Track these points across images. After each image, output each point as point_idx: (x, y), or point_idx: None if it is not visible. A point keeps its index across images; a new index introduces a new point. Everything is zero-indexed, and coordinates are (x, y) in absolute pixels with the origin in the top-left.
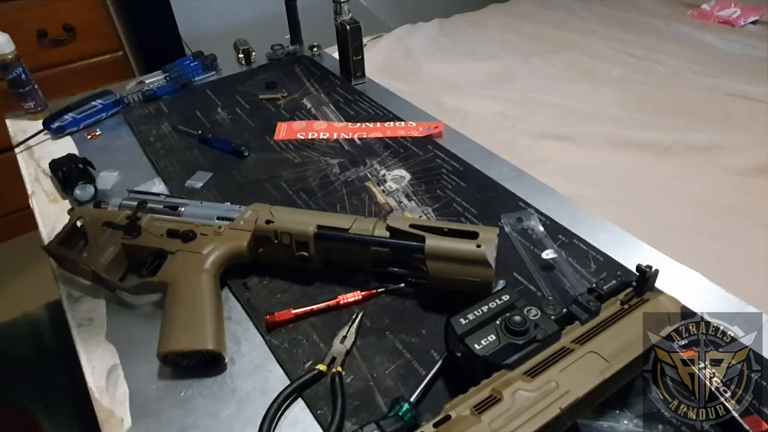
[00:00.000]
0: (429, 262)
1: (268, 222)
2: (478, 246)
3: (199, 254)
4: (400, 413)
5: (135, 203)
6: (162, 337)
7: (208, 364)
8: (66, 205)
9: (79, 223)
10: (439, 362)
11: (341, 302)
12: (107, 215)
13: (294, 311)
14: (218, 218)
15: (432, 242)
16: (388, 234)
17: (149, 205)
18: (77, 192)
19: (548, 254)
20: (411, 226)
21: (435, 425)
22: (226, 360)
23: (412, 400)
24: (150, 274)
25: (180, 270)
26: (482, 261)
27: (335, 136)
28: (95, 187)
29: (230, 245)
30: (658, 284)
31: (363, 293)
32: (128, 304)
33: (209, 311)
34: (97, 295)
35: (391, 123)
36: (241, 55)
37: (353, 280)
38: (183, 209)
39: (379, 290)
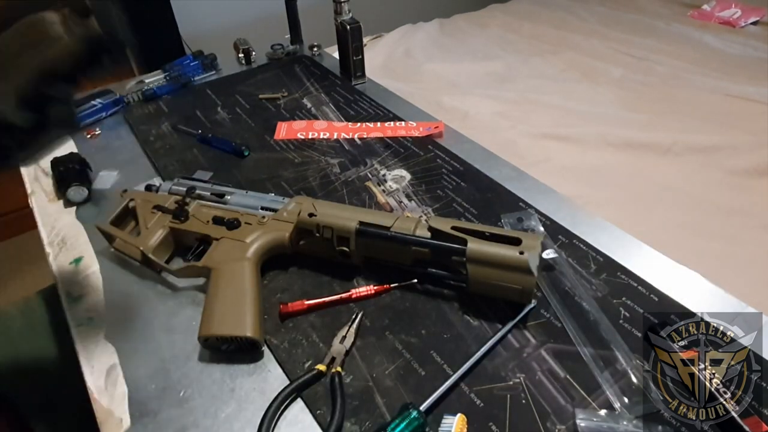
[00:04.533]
0: (470, 265)
1: (310, 215)
2: (521, 253)
3: (242, 242)
4: (408, 420)
5: (184, 189)
6: (203, 321)
7: (246, 350)
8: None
9: (131, 205)
10: (457, 373)
11: (354, 296)
12: (157, 199)
13: (307, 302)
14: (262, 208)
15: (474, 246)
16: (429, 234)
17: (197, 191)
18: (70, 193)
19: (548, 254)
20: (453, 228)
21: None
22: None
23: (422, 408)
24: (195, 258)
25: (224, 256)
26: (524, 268)
27: (335, 136)
28: (89, 189)
29: (273, 235)
30: (658, 285)
31: (375, 288)
32: (128, 304)
33: (250, 299)
34: (96, 295)
35: (392, 123)
36: (241, 55)
37: (353, 278)
38: (229, 197)
39: (392, 285)
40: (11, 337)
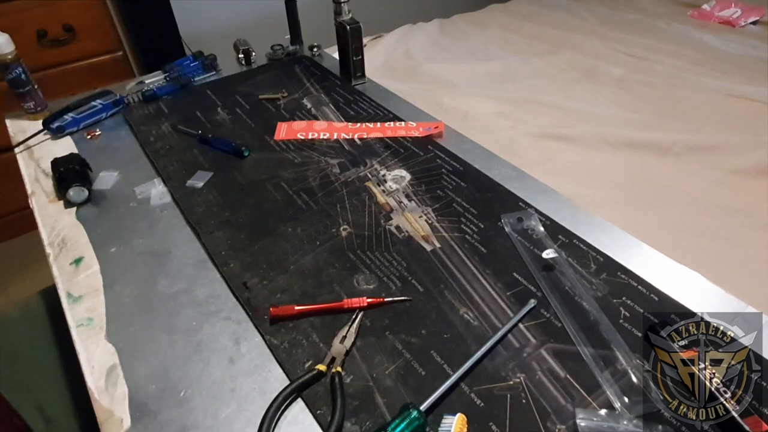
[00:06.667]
0: None
1: None
2: None
3: None
4: (408, 420)
5: None
6: None
7: None
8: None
9: None
10: (457, 373)
11: (346, 306)
12: None
13: (297, 308)
14: None
15: None
16: None
17: None
18: (70, 194)
19: (549, 254)
20: None
21: None
22: (226, 361)
23: (422, 408)
24: None
25: None
26: None
27: (335, 136)
28: (90, 190)
29: None
30: (659, 285)
31: (369, 300)
32: (128, 305)
33: None
34: (96, 296)
35: (392, 123)
36: (241, 55)
37: (353, 281)
38: None
39: (385, 300)
40: (11, 337)
